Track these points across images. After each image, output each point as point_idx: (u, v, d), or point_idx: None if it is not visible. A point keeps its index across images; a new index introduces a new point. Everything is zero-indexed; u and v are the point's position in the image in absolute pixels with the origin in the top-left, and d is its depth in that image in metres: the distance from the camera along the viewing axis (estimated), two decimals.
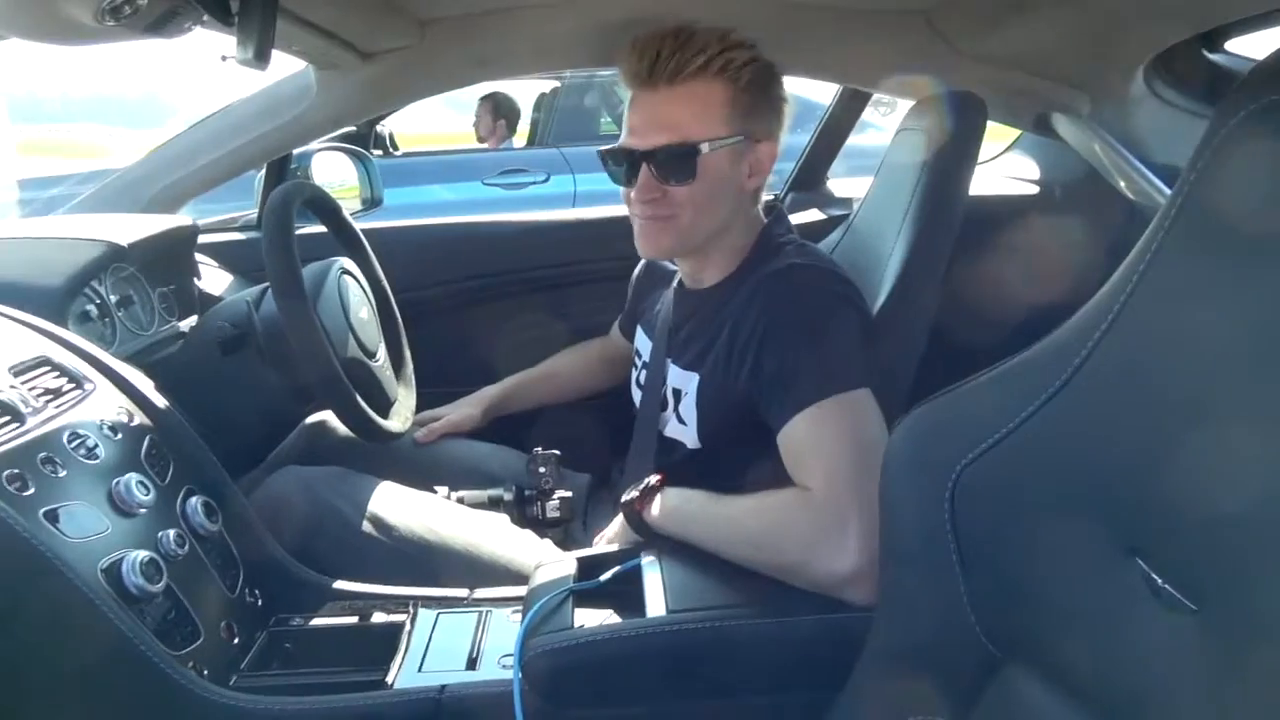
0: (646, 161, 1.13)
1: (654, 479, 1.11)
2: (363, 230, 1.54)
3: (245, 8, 0.81)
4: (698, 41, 1.09)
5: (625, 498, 1.12)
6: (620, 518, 1.15)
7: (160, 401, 1.13)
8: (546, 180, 4.64)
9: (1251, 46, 1.39)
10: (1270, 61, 0.51)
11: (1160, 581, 0.55)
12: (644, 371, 1.33)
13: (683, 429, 1.21)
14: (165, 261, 1.48)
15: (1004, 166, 2.07)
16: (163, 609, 0.94)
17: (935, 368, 1.12)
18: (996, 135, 2.05)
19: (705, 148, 1.11)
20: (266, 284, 1.28)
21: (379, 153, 4.81)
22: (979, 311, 1.47)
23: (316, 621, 1.09)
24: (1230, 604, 0.51)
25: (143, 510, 0.98)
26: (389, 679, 0.98)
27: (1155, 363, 0.57)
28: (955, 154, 1.23)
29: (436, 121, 6.52)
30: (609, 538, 1.20)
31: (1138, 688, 0.58)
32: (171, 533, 0.99)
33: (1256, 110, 0.50)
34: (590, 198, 4.14)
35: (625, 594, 1.00)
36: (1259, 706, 0.48)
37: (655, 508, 1.09)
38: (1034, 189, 1.97)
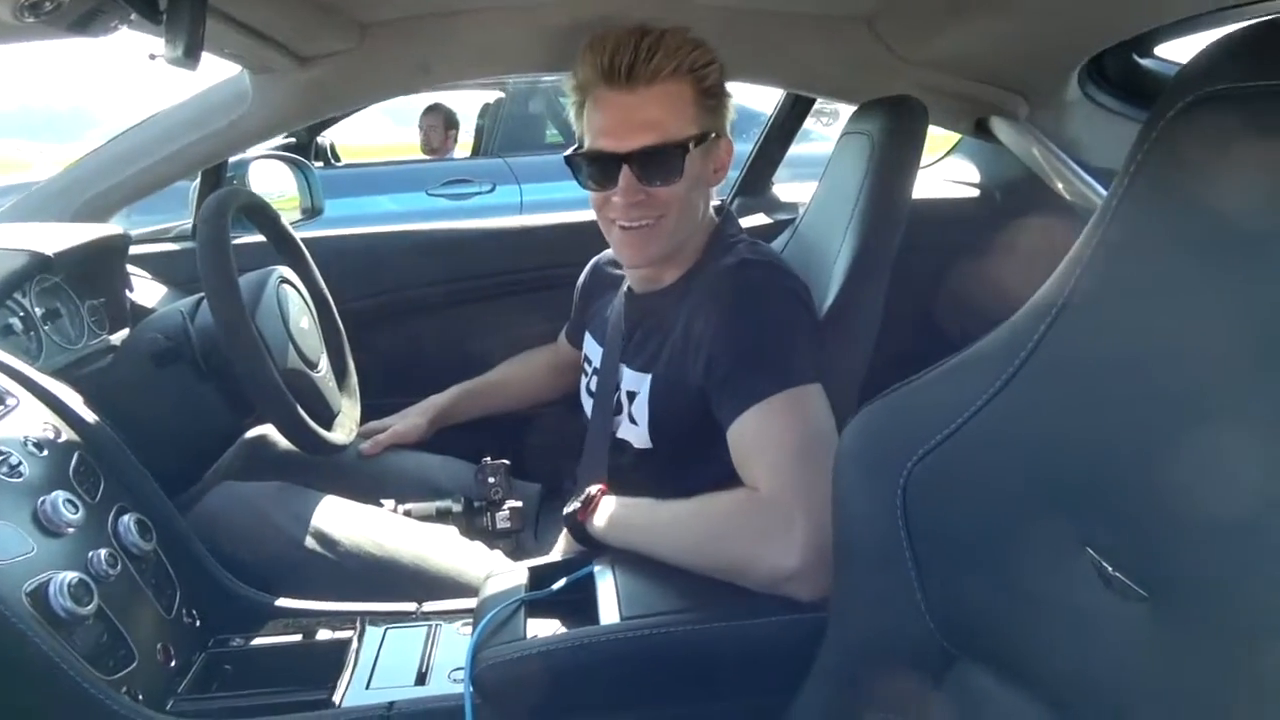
0: (628, 163, 1.11)
1: (594, 488, 1.10)
2: (304, 239, 1.50)
3: (174, 5, 0.78)
4: (671, 42, 1.09)
5: (567, 509, 1.11)
6: (565, 532, 1.14)
7: (89, 416, 1.08)
8: (492, 190, 4.60)
9: (1180, 53, 1.44)
10: (1199, 60, 0.53)
11: (1111, 570, 0.56)
12: (595, 378, 1.32)
13: (634, 429, 1.20)
14: (94, 272, 1.43)
15: (945, 170, 2.11)
16: (94, 632, 0.90)
17: (883, 368, 1.12)
18: (938, 145, 2.09)
19: (692, 145, 1.11)
20: (202, 294, 1.24)
21: (320, 164, 4.74)
22: (925, 312, 1.49)
23: (258, 641, 1.06)
24: (1179, 589, 0.51)
25: (71, 530, 0.93)
26: (335, 698, 0.96)
27: (1099, 352, 0.58)
28: (898, 157, 1.25)
29: (379, 133, 6.46)
30: (559, 551, 1.18)
31: (1090, 677, 0.58)
32: (103, 552, 0.95)
33: (1189, 105, 0.52)
34: (536, 208, 4.11)
35: (579, 603, 0.99)
36: (1208, 688, 0.49)
37: (598, 517, 1.08)
38: (975, 192, 2.00)
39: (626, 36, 1.09)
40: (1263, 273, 0.48)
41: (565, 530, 1.15)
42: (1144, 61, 1.52)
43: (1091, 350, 0.59)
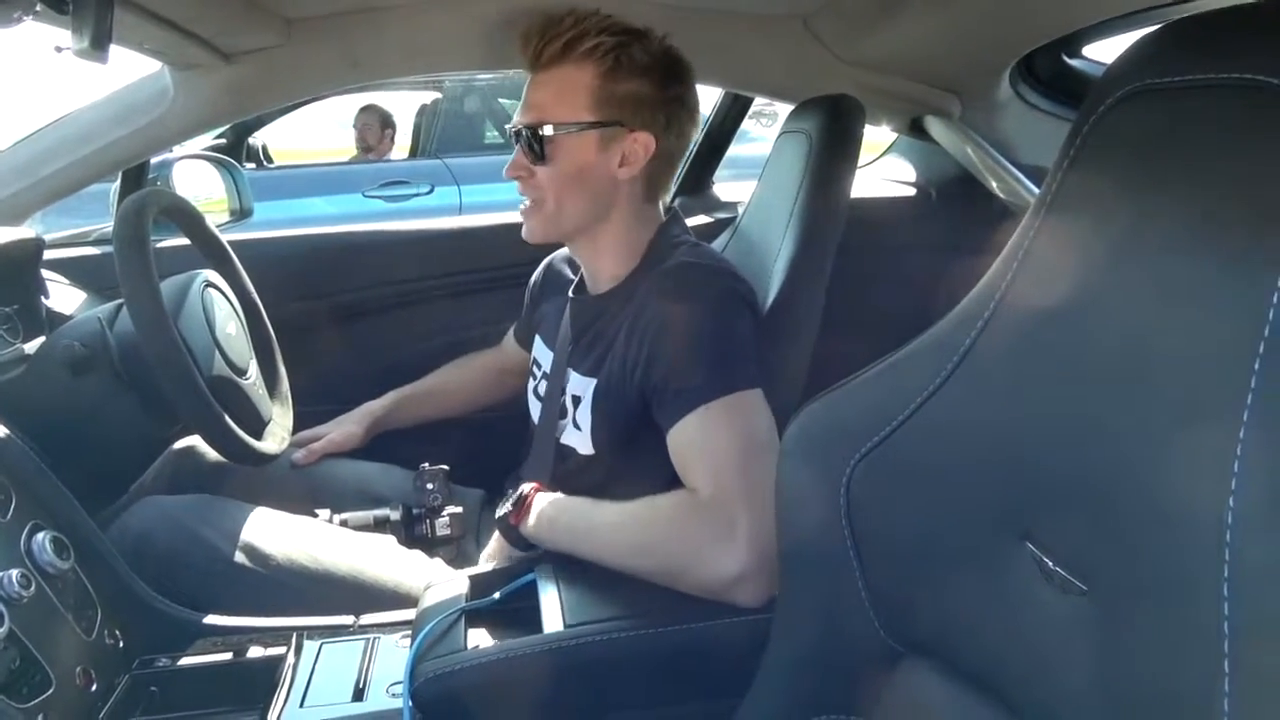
0: (517, 139, 1.15)
1: (527, 488, 1.09)
2: (234, 242, 1.45)
3: None
4: (564, 25, 1.10)
5: (500, 512, 1.09)
6: (497, 534, 1.12)
7: None
8: (430, 192, 4.54)
9: (1108, 53, 1.47)
10: (1124, 58, 0.54)
11: (1051, 564, 0.56)
12: (543, 381, 1.29)
13: (578, 434, 1.19)
14: (5, 278, 1.35)
15: (882, 170, 2.13)
16: (5, 658, 0.85)
17: (824, 366, 1.13)
18: (875, 145, 2.11)
19: (548, 130, 1.12)
20: (121, 300, 1.19)
21: (252, 165, 4.62)
22: (864, 309, 1.50)
23: (186, 661, 1.02)
24: (1117, 582, 0.51)
25: None
26: (269, 718, 0.92)
27: (1035, 346, 0.58)
28: (836, 156, 1.25)
29: (322, 138, 6.29)
30: (490, 554, 1.17)
31: (1034, 671, 0.59)
32: (14, 573, 0.90)
33: (1116, 101, 0.53)
34: (476, 209, 4.07)
35: (522, 611, 0.97)
36: (1149, 682, 0.49)
37: (532, 519, 1.07)
38: (911, 191, 2.03)
39: (540, 21, 1.12)
40: (1192, 263, 0.48)
41: (497, 534, 1.13)
42: (1073, 61, 1.56)
43: (1027, 344, 0.59)
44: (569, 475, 1.19)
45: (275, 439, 1.31)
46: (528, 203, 1.18)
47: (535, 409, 1.31)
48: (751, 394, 1.01)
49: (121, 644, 1.01)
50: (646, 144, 1.15)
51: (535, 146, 1.13)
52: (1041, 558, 0.57)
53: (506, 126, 1.22)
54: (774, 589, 0.90)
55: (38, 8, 0.84)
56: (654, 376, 1.05)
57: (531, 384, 1.36)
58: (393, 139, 5.02)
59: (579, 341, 1.23)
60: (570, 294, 1.29)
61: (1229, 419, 0.44)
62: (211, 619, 1.07)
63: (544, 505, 1.07)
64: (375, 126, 4.90)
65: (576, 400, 1.19)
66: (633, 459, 1.13)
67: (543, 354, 1.33)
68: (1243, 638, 0.43)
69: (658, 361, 1.05)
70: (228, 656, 1.02)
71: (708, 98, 2.09)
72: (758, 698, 0.81)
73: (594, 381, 1.16)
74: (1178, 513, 0.47)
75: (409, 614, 1.02)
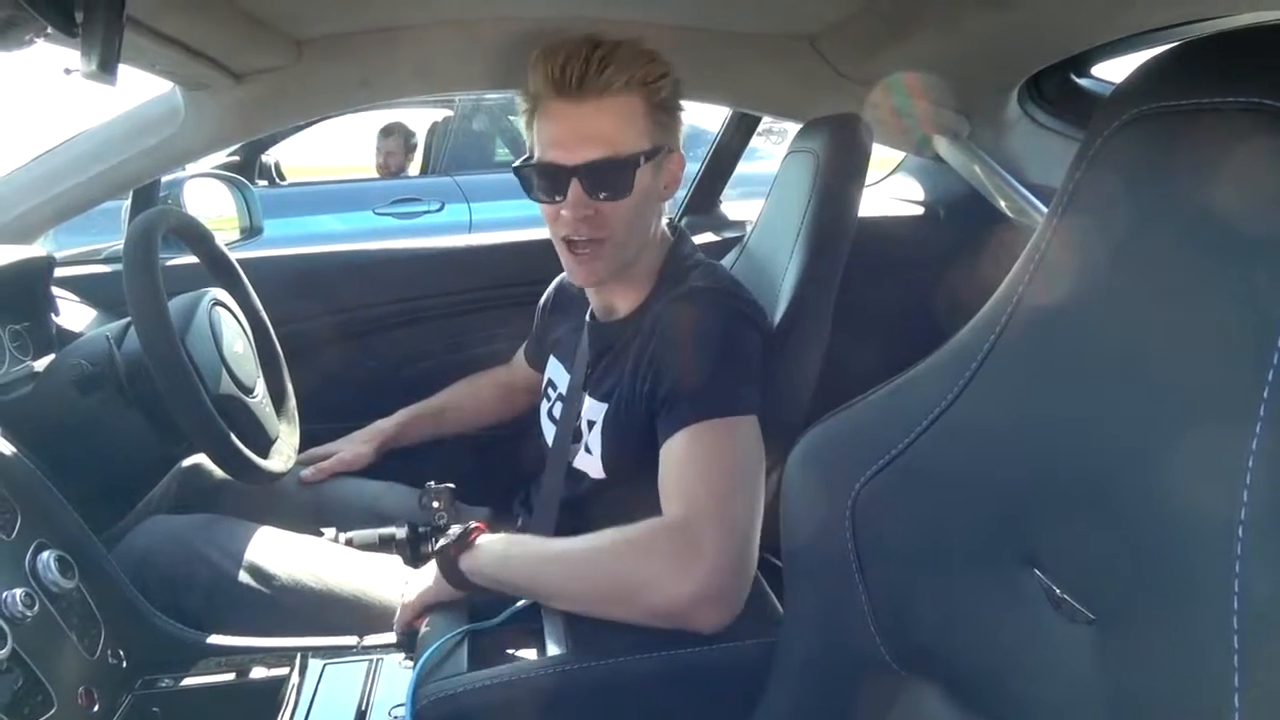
0: (576, 176, 1.08)
1: (473, 524, 1.06)
2: (243, 260, 1.46)
3: (89, 16, 0.75)
4: (624, 54, 1.07)
5: (439, 544, 1.06)
6: (431, 567, 1.06)
7: (5, 447, 1.03)
8: (441, 209, 4.56)
9: (1116, 72, 1.47)
10: (1130, 81, 0.54)
11: (1059, 592, 0.55)
12: (558, 404, 1.29)
13: (589, 458, 1.18)
14: (16, 296, 1.36)
15: (890, 188, 2.13)
16: (8, 679, 0.85)
17: (830, 386, 1.12)
18: (884, 164, 2.11)
19: (642, 160, 1.08)
20: (129, 318, 1.19)
21: (264, 183, 4.66)
22: (871, 329, 1.49)
23: (189, 681, 1.01)
24: (1125, 612, 0.51)
25: None
26: None
27: (1043, 369, 0.58)
28: (844, 175, 1.25)
29: (335, 154, 6.32)
30: (415, 593, 1.07)
31: (1040, 700, 0.58)
32: (18, 593, 0.89)
33: (1122, 124, 0.53)
34: (486, 226, 4.07)
35: (525, 633, 0.96)
36: (1151, 705, 0.48)
37: (480, 555, 1.02)
38: (919, 209, 2.02)
39: (578, 47, 1.06)
40: (1196, 281, 0.48)
41: (424, 569, 1.08)
42: (1081, 81, 1.55)
43: (1035, 367, 0.58)
44: (582, 499, 1.18)
45: (281, 457, 1.31)
46: (586, 244, 1.11)
47: (549, 431, 1.30)
48: (745, 420, 1.00)
49: (124, 663, 1.01)
50: (680, 163, 1.17)
51: (614, 180, 1.08)
52: (1050, 585, 0.56)
53: (549, 158, 1.09)
54: (732, 618, 0.89)
55: (48, 31, 0.84)
56: (656, 398, 1.04)
57: (545, 405, 1.35)
58: (413, 154, 5.06)
59: (596, 366, 1.22)
60: (588, 319, 1.28)
61: (1242, 425, 0.43)
62: (215, 639, 1.07)
63: (493, 541, 1.04)
64: (400, 153, 4.92)
65: (590, 424, 1.18)
66: (642, 483, 1.11)
67: (559, 376, 1.32)
68: (1252, 660, 0.42)
69: (663, 380, 1.04)
70: (231, 677, 1.02)
71: (715, 116, 2.11)
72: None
73: (606, 406, 1.16)
74: (1189, 523, 0.46)
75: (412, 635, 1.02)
